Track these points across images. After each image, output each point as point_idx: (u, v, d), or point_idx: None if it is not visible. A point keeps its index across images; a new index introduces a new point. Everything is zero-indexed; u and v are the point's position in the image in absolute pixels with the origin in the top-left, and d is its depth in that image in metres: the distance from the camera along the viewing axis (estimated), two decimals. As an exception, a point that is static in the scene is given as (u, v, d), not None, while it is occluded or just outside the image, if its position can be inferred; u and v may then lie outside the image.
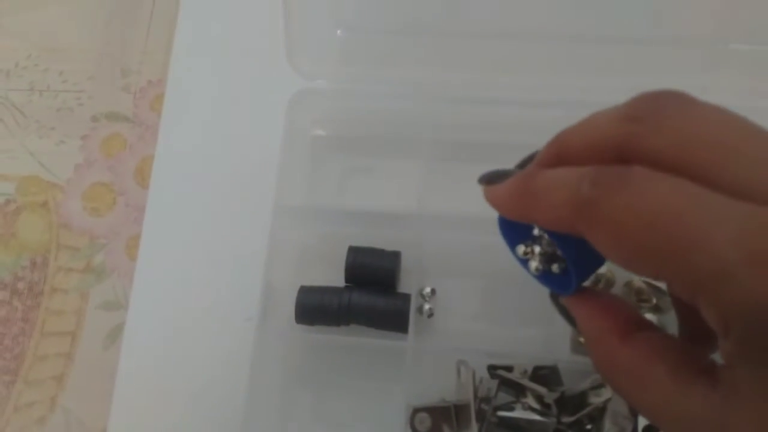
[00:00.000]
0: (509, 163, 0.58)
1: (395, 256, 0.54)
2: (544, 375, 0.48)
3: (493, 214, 0.53)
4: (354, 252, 0.54)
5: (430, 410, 0.49)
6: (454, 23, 0.57)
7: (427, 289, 0.54)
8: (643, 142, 0.26)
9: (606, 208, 0.25)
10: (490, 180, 0.32)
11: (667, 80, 0.53)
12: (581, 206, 0.26)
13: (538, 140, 0.57)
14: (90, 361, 0.59)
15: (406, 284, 0.55)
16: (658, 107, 0.26)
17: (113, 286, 0.61)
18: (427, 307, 0.53)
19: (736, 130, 0.25)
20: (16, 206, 0.64)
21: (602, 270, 0.52)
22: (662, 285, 0.50)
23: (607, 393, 0.46)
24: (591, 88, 0.53)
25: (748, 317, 0.22)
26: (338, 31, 0.57)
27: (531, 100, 0.55)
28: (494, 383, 0.48)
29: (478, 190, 0.57)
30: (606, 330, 0.28)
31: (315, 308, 0.53)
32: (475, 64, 0.56)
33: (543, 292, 0.54)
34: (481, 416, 0.48)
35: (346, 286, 0.54)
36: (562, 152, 0.30)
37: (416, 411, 0.49)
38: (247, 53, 0.64)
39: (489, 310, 0.54)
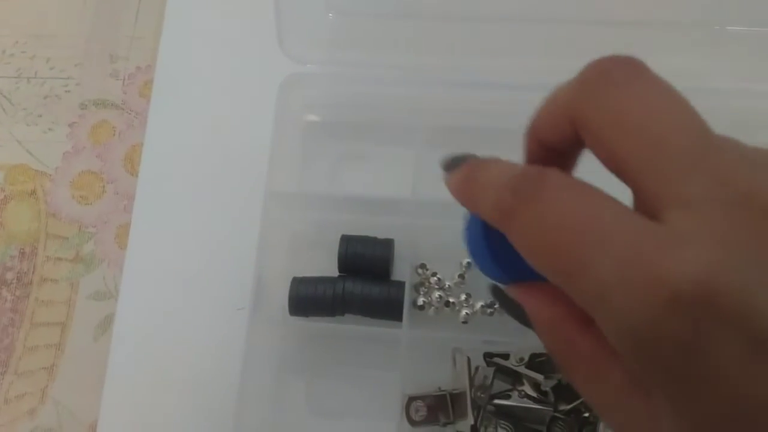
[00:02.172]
0: (505, 148, 0.57)
1: (388, 244, 0.54)
2: (541, 362, 0.48)
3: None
4: (347, 241, 0.54)
5: (425, 399, 0.49)
6: (447, 6, 0.56)
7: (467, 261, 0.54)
8: (584, 115, 0.25)
9: (519, 220, 0.25)
10: (447, 166, 0.31)
11: (662, 63, 0.53)
12: (502, 213, 0.26)
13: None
14: (80, 352, 0.58)
15: (400, 272, 0.54)
16: (605, 76, 0.25)
17: (103, 276, 0.60)
18: (421, 300, 0.53)
19: (670, 118, 0.24)
20: (4, 195, 0.63)
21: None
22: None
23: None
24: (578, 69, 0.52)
25: (627, 343, 0.22)
26: (330, 15, 0.56)
27: (526, 84, 0.53)
28: (490, 371, 0.48)
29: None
30: (562, 317, 0.26)
31: (309, 300, 0.53)
32: (469, 48, 0.55)
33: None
34: (477, 405, 0.47)
35: (339, 276, 0.54)
36: (536, 131, 0.29)
37: (411, 400, 0.49)
38: (237, 37, 0.63)
39: (484, 297, 0.53)
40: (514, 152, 0.57)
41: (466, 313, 0.53)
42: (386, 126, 0.59)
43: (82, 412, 0.56)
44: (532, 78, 0.53)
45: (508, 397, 0.48)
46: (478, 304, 0.53)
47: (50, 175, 0.63)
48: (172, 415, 0.55)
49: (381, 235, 0.54)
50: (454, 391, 0.49)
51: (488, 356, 0.49)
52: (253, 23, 0.62)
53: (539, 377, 0.47)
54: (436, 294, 0.53)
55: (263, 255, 0.51)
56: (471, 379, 0.48)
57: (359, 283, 0.53)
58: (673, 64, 0.53)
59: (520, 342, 0.49)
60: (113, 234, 0.61)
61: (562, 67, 0.53)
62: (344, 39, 0.56)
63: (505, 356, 0.48)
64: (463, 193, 0.29)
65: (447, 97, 0.56)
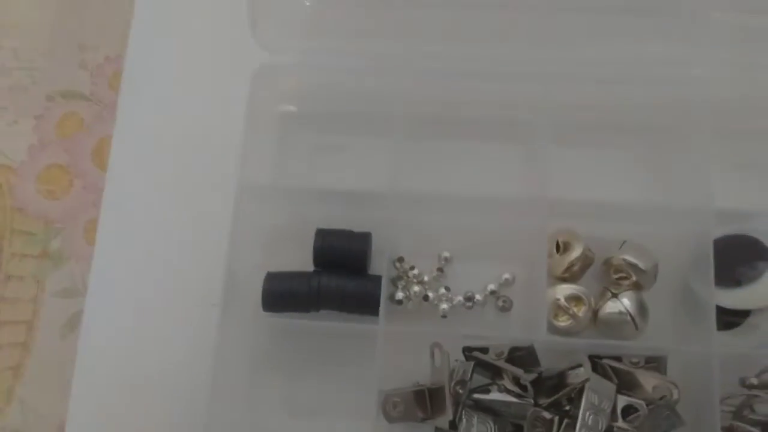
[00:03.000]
0: (486, 138, 0.56)
1: (365, 237, 0.52)
2: (521, 356, 0.47)
3: (468, 194, 0.51)
4: (322, 235, 0.52)
5: (402, 395, 0.48)
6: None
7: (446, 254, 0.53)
8: None
9: None
10: None
11: (649, 50, 0.52)
12: None
13: (515, 115, 0.56)
14: (47, 351, 0.56)
15: (378, 266, 0.53)
16: None
17: (71, 273, 0.58)
18: (399, 295, 0.51)
19: None
20: (-33, 190, 0.61)
21: (578, 248, 0.50)
22: (641, 263, 0.49)
23: (584, 373, 0.45)
24: (569, 59, 0.52)
25: None
26: (306, 2, 0.55)
27: (507, 73, 0.53)
28: (469, 365, 0.47)
29: (451, 168, 0.56)
30: None
31: (283, 296, 0.51)
32: (450, 36, 0.54)
33: (519, 271, 0.53)
34: (456, 399, 0.46)
35: (314, 271, 0.52)
36: None
37: (388, 396, 0.48)
38: (209, 26, 0.62)
39: (462, 289, 0.52)
40: (494, 143, 0.56)
41: (445, 307, 0.51)
42: (364, 117, 0.57)
43: (50, 412, 0.54)
44: (515, 67, 0.53)
45: (487, 391, 0.47)
46: (457, 298, 0.52)
47: (15, 169, 0.61)
48: (142, 415, 0.53)
49: (358, 228, 0.53)
50: (433, 386, 0.48)
51: (467, 350, 0.48)
52: (226, 12, 0.60)
53: (519, 371, 0.46)
54: (415, 288, 0.52)
55: (235, 249, 0.49)
56: (450, 373, 0.47)
57: (335, 277, 0.51)
58: (654, 52, 0.52)
59: (500, 336, 0.48)
60: (81, 229, 0.59)
61: (546, 56, 0.52)
62: (320, 27, 0.55)
63: (485, 350, 0.47)
64: None
65: (427, 87, 0.55)
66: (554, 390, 0.46)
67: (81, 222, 0.59)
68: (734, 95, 0.52)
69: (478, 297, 0.52)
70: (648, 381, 0.45)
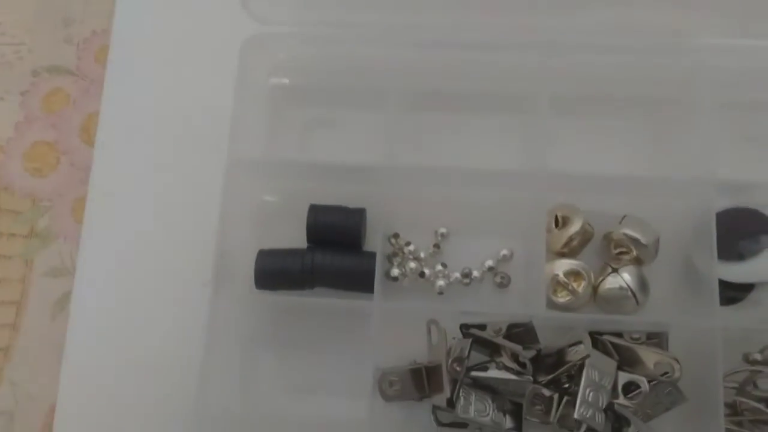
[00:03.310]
0: (483, 111, 0.55)
1: (360, 213, 0.51)
2: (519, 333, 0.46)
3: (464, 168, 0.50)
4: (315, 211, 0.51)
5: (399, 373, 0.47)
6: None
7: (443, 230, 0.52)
8: None
9: None
10: None
11: (650, 19, 0.51)
12: None
13: (513, 86, 0.54)
14: (37, 332, 0.55)
15: (373, 242, 0.52)
16: None
17: (59, 252, 0.57)
18: (394, 271, 0.50)
19: None
20: (-48, 168, 0.59)
21: (578, 223, 0.49)
22: (642, 237, 0.48)
23: (584, 350, 0.44)
24: (568, 28, 0.50)
25: None
26: (297, -29, 0.53)
27: (505, 43, 0.51)
28: (467, 343, 0.46)
29: (448, 141, 0.54)
30: None
31: (276, 273, 0.50)
32: (446, 7, 0.52)
33: (517, 247, 0.52)
34: (453, 377, 0.45)
35: (308, 247, 0.51)
36: None
37: (385, 374, 0.47)
38: (197, -3, 0.60)
39: (459, 266, 0.51)
40: (492, 115, 0.55)
41: (442, 284, 0.50)
42: (358, 89, 0.56)
43: (40, 393, 0.53)
44: (511, 36, 0.51)
45: (485, 369, 0.46)
46: (454, 275, 0.51)
47: (1, 146, 0.60)
48: (134, 395, 0.52)
49: (352, 204, 0.51)
50: (430, 364, 0.47)
51: (465, 327, 0.47)
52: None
53: (517, 348, 0.45)
54: (411, 264, 0.51)
55: (226, 226, 0.48)
56: (447, 351, 0.46)
57: (329, 254, 0.50)
58: (655, 20, 0.51)
59: (498, 313, 0.47)
60: (69, 207, 0.57)
61: (541, 25, 0.51)
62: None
63: (482, 327, 0.46)
64: None
65: (423, 58, 0.53)
66: (554, 367, 0.45)
67: (69, 200, 0.58)
68: (738, 65, 0.51)
69: (475, 273, 0.51)
70: (649, 357, 0.44)
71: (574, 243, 0.49)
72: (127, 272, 0.54)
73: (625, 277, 0.48)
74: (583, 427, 0.43)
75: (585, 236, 0.49)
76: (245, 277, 0.50)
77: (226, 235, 0.48)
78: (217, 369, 0.47)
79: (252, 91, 0.52)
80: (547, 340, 0.46)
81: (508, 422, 0.45)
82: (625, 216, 0.49)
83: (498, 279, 0.51)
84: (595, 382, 0.43)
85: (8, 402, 0.54)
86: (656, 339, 0.46)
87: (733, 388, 0.45)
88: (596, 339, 0.46)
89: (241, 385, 0.51)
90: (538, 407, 0.45)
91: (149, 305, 0.53)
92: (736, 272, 0.46)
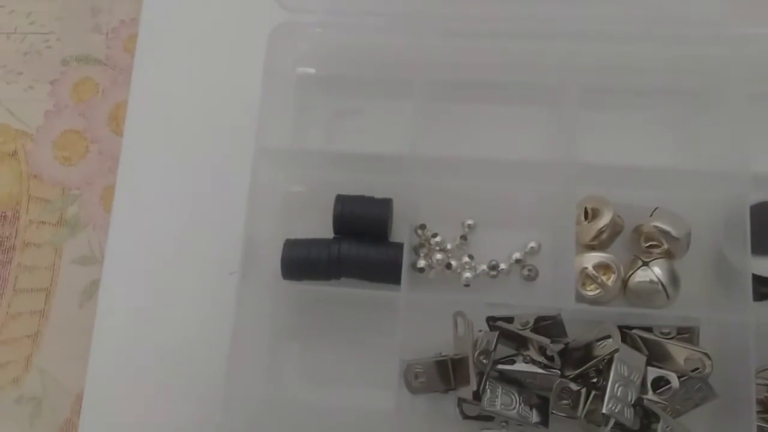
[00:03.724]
0: (509, 102, 0.54)
1: (386, 204, 0.51)
2: (547, 326, 0.45)
3: (492, 159, 0.50)
4: (342, 201, 0.51)
5: (425, 365, 0.47)
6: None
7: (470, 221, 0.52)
8: None
9: None
10: None
11: (683, 8, 0.50)
12: None
13: (541, 76, 0.54)
14: (65, 319, 0.55)
15: (399, 233, 0.51)
16: None
17: (88, 240, 0.57)
18: (421, 263, 0.50)
19: None
20: (-17, 156, 0.60)
21: (608, 215, 0.48)
22: (673, 230, 0.47)
23: (613, 344, 0.43)
24: (597, 16, 0.49)
25: None
26: (325, -41, 0.53)
27: (533, 33, 0.51)
28: (494, 335, 0.45)
29: (475, 132, 0.54)
30: None
31: (302, 263, 0.50)
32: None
33: (545, 239, 0.51)
34: (479, 370, 0.45)
35: (334, 238, 0.51)
36: None
37: (410, 366, 0.46)
38: (226, -14, 0.60)
39: (486, 258, 0.50)
40: (520, 105, 0.54)
41: (468, 275, 0.50)
42: (385, 79, 0.56)
43: (68, 380, 0.54)
44: (539, 26, 0.50)
45: (512, 362, 0.45)
46: (481, 267, 0.50)
47: (31, 134, 0.60)
48: (161, 383, 0.52)
49: (379, 194, 0.51)
50: (456, 357, 0.46)
51: (491, 320, 0.46)
52: (242, -29, 0.58)
53: (545, 341, 0.44)
54: (437, 256, 0.51)
55: (253, 215, 0.48)
56: (473, 344, 0.46)
57: (355, 245, 0.50)
58: (688, 9, 0.50)
59: (525, 305, 0.47)
60: (98, 196, 0.58)
61: (570, 14, 0.50)
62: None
63: (509, 320, 0.46)
64: None
65: (450, 47, 0.53)
66: (582, 361, 0.45)
67: (98, 188, 0.58)
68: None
69: (502, 266, 0.50)
70: (679, 352, 0.44)
71: (604, 236, 0.48)
72: (155, 261, 0.54)
73: (656, 271, 0.47)
74: (611, 423, 0.42)
75: (615, 229, 0.49)
76: (272, 266, 0.50)
77: (253, 224, 0.48)
78: (244, 357, 0.47)
79: (279, 80, 0.52)
80: (576, 334, 0.46)
81: (534, 416, 0.45)
82: (656, 209, 0.48)
83: (525, 272, 0.51)
84: (624, 377, 0.43)
85: (36, 388, 0.54)
86: (687, 334, 0.45)
87: (765, 384, 0.44)
88: (625, 333, 0.45)
89: (268, 373, 0.51)
90: (565, 401, 0.44)
91: (176, 294, 0.54)
92: (771, 267, 0.45)
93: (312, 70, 0.57)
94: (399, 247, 0.49)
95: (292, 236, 0.51)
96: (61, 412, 0.54)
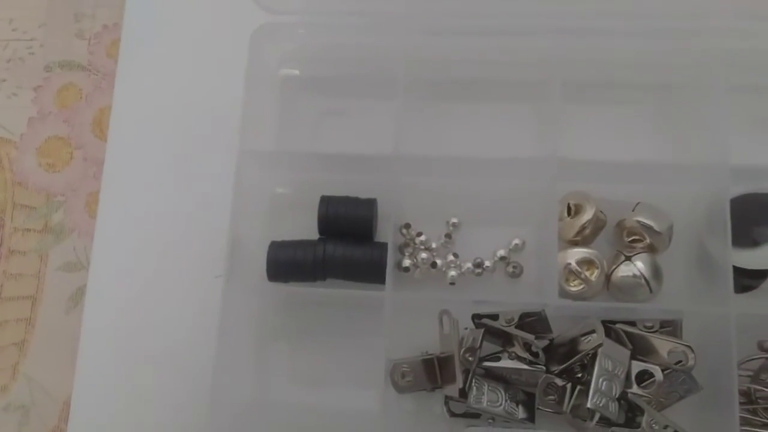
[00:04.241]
0: (491, 100, 0.55)
1: (370, 204, 0.51)
2: (532, 322, 0.46)
3: (475, 157, 0.50)
4: (327, 202, 0.51)
5: (411, 364, 0.47)
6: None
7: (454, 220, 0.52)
8: None
9: None
10: None
11: (661, 2, 0.50)
12: None
13: (523, 74, 0.54)
14: (52, 326, 0.55)
15: (384, 233, 0.51)
16: None
17: (74, 246, 0.57)
18: (406, 262, 0.50)
19: None
20: (-33, 164, 0.60)
21: (590, 211, 0.48)
22: (655, 224, 0.47)
23: (597, 339, 0.44)
24: (577, 12, 0.50)
25: None
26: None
27: (514, 29, 0.51)
28: (479, 333, 0.46)
29: (458, 130, 0.54)
30: None
31: (288, 265, 0.50)
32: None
33: (529, 236, 0.51)
34: (465, 368, 0.45)
35: (319, 239, 0.51)
36: None
37: (397, 365, 0.47)
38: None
39: (471, 256, 0.51)
40: (502, 102, 0.54)
41: (454, 274, 0.50)
42: (368, 79, 0.56)
43: (56, 388, 0.54)
44: (520, 21, 0.51)
45: (498, 359, 0.46)
46: (466, 265, 0.51)
47: (15, 142, 0.60)
48: (149, 388, 0.52)
49: (363, 194, 0.51)
50: (442, 355, 0.47)
51: (477, 317, 0.47)
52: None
53: (530, 337, 0.45)
54: (422, 255, 0.51)
55: (238, 218, 0.48)
56: (459, 342, 0.46)
57: (340, 245, 0.50)
58: (666, 3, 0.50)
59: (510, 302, 0.47)
60: (83, 202, 0.58)
61: (551, 10, 0.50)
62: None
63: (494, 317, 0.46)
64: None
65: (433, 45, 0.53)
66: (566, 357, 0.45)
67: (82, 194, 0.58)
68: (751, 48, 0.50)
69: (487, 263, 0.51)
70: (663, 345, 0.44)
71: (587, 231, 0.49)
72: (141, 266, 0.54)
73: (639, 265, 0.47)
74: (597, 417, 0.42)
75: (597, 224, 0.49)
76: (258, 269, 0.50)
77: (239, 227, 0.48)
78: (231, 360, 0.47)
79: (262, 82, 0.52)
80: (560, 330, 0.46)
81: (520, 412, 0.45)
82: (638, 203, 0.48)
83: (510, 269, 0.51)
84: (609, 372, 0.43)
85: (24, 396, 0.54)
86: (670, 327, 0.45)
87: (748, 376, 0.44)
88: (609, 328, 0.45)
89: (255, 375, 0.51)
90: (551, 397, 0.45)
91: (163, 298, 0.54)
92: (751, 259, 0.46)
93: (296, 71, 0.57)
94: (383, 246, 0.49)
95: (278, 238, 0.51)
96: (48, 419, 0.54)
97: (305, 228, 0.51)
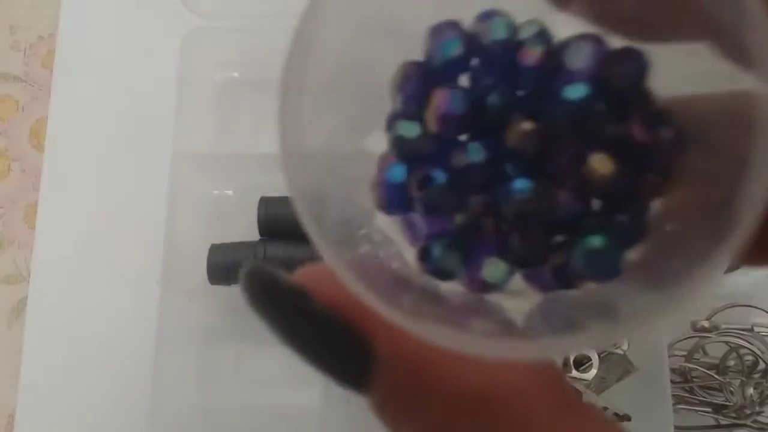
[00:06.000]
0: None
1: (312, 203, 0.51)
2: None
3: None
4: (266, 203, 0.51)
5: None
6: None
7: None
8: None
9: None
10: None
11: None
12: None
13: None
14: (-6, 340, 0.55)
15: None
16: None
17: (13, 258, 0.56)
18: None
19: None
20: None
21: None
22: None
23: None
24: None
25: None
26: (235, -36, 0.53)
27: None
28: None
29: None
30: None
31: (228, 267, 0.50)
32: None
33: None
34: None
35: (260, 240, 0.51)
36: None
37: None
38: (139, -2, 0.60)
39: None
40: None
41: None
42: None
43: (0, 401, 0.53)
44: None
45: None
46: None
47: (-48, 156, 0.59)
48: (95, 399, 0.52)
49: (304, 193, 0.51)
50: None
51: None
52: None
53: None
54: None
55: (175, 222, 0.48)
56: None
57: (281, 245, 0.50)
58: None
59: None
60: (22, 214, 0.57)
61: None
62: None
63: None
64: None
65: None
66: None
67: (21, 206, 0.57)
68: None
69: (429, 256, 0.51)
70: (598, 329, 0.45)
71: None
72: (82, 275, 0.54)
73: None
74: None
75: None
76: (200, 272, 0.50)
77: (176, 231, 0.48)
78: (172, 365, 0.47)
79: (198, 86, 0.52)
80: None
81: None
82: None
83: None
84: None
85: (-31, 412, 0.53)
86: (605, 311, 0.46)
87: (683, 355, 0.45)
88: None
89: (198, 380, 0.51)
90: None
91: (106, 307, 0.53)
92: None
93: (234, 74, 0.57)
94: (323, 244, 0.49)
95: (220, 240, 0.51)
96: (-8, 434, 0.53)
97: (247, 230, 0.51)
